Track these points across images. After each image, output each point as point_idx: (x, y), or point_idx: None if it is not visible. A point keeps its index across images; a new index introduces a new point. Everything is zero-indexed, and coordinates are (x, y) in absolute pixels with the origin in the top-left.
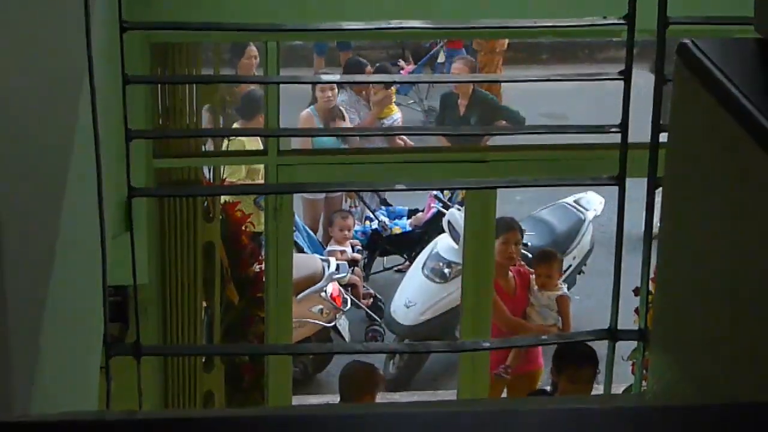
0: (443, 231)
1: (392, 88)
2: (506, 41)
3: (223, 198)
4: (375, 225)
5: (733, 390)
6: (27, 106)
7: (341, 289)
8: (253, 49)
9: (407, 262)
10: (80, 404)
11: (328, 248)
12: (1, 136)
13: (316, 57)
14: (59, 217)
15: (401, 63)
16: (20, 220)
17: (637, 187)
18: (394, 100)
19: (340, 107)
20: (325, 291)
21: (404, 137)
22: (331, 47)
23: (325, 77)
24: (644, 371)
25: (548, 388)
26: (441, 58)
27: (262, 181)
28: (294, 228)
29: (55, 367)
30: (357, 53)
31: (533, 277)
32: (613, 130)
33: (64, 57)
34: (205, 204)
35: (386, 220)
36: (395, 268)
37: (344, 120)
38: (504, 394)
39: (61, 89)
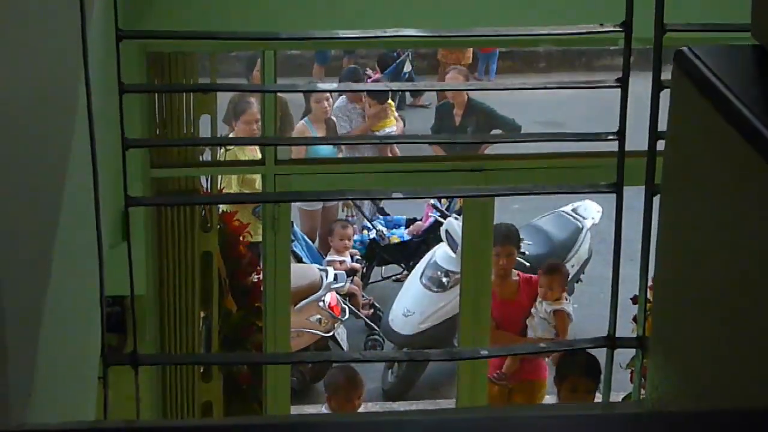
0: (441, 240)
1: (389, 101)
2: (471, 56)
3: (220, 207)
4: (373, 234)
5: (731, 398)
6: (23, 116)
7: (339, 298)
8: (254, 112)
9: (405, 272)
10: (78, 415)
11: (328, 258)
12: None
13: (317, 66)
14: (56, 226)
15: (369, 72)
16: (17, 230)
17: (635, 195)
18: (393, 113)
19: (333, 117)
20: (324, 300)
21: (395, 149)
22: (333, 56)
23: (321, 85)
24: (643, 379)
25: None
26: (407, 68)
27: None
28: (292, 237)
29: (53, 378)
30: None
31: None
32: (611, 137)
33: (60, 66)
34: (203, 214)
35: (384, 229)
36: (393, 278)
37: (337, 131)
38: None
39: (58, 98)
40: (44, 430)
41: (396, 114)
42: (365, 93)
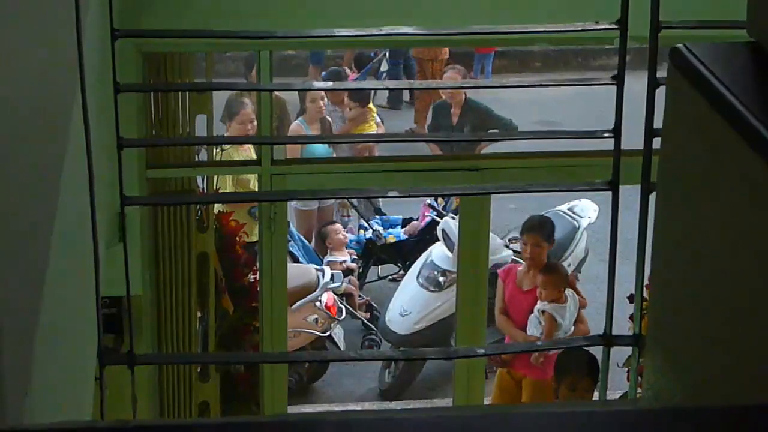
0: (438, 240)
1: (368, 106)
2: (447, 52)
3: (216, 208)
4: (369, 234)
5: (727, 395)
6: (17, 115)
7: (336, 298)
8: (249, 113)
9: (402, 271)
10: (74, 415)
11: (327, 258)
12: None
13: (312, 66)
14: (52, 227)
15: (346, 71)
16: (12, 231)
17: (631, 194)
18: (374, 119)
19: (328, 117)
20: (320, 300)
21: (374, 152)
22: (327, 56)
23: (316, 84)
24: (639, 377)
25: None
26: (384, 67)
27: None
28: (289, 238)
29: (49, 378)
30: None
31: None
32: (606, 135)
33: (55, 65)
34: (199, 214)
35: (380, 229)
36: (390, 277)
37: (332, 131)
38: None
39: (53, 98)
40: (40, 429)
41: (378, 119)
42: (346, 96)
